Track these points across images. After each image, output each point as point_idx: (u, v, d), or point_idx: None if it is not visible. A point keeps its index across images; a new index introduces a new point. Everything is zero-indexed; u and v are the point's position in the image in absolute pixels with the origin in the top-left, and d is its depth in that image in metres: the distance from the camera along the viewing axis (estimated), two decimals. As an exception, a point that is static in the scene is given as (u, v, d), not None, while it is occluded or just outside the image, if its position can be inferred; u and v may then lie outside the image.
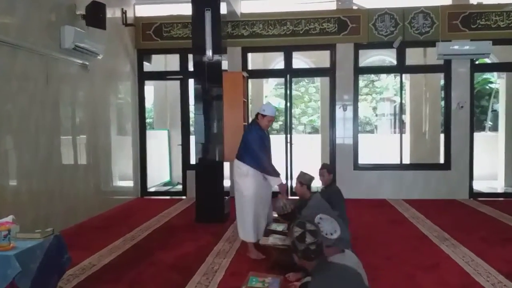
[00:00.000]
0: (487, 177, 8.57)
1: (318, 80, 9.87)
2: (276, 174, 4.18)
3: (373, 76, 14.93)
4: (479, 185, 7.72)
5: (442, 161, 7.40)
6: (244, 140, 4.24)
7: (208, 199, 5.64)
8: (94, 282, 3.56)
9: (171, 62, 8.53)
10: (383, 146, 9.93)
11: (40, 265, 2.78)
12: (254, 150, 4.08)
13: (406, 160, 8.14)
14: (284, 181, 4.33)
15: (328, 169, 4.55)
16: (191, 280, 3.57)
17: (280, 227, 4.35)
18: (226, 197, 5.86)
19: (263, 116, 4.17)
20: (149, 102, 9.74)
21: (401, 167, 7.41)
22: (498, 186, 8.25)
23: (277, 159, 7.91)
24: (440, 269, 3.86)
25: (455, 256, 4.18)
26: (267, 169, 4.13)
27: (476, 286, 3.46)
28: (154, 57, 8.30)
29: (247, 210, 4.16)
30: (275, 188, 4.26)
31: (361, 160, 7.44)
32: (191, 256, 4.25)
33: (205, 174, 5.73)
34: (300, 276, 3.25)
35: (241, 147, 4.27)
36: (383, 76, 14.91)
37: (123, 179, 7.09)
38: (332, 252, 2.59)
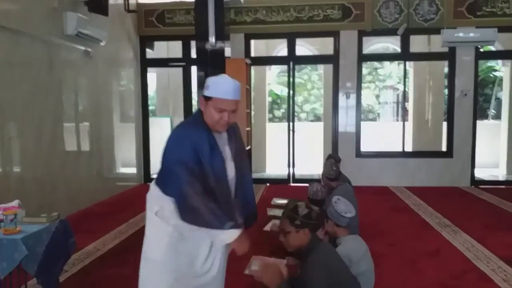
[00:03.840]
0: (489, 165, 8.58)
1: (321, 68, 9.80)
2: (226, 222, 1.92)
3: (376, 64, 14.84)
4: (481, 173, 7.74)
5: (444, 149, 7.41)
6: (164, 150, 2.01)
7: (211, 185, 5.68)
8: (99, 266, 3.62)
9: (173, 49, 8.49)
10: (385, 134, 9.94)
11: (46, 249, 2.82)
12: (175, 172, 1.91)
13: (409, 148, 8.16)
14: (240, 235, 2.01)
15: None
16: (194, 265, 3.62)
17: (281, 213, 4.39)
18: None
19: (207, 99, 1.97)
20: (151, 89, 9.73)
21: (403, 154, 7.43)
22: (500, 174, 8.26)
23: (280, 147, 8.06)
24: (441, 255, 3.91)
25: (455, 242, 4.22)
26: (205, 218, 1.89)
27: (476, 271, 3.50)
28: (157, 44, 8.26)
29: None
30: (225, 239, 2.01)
31: (364, 148, 7.46)
32: (194, 241, 4.29)
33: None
34: (299, 263, 3.29)
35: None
36: (386, 63, 14.82)
37: (126, 166, 7.14)
38: (345, 233, 2.78)
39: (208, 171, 1.95)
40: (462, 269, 3.55)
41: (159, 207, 2.07)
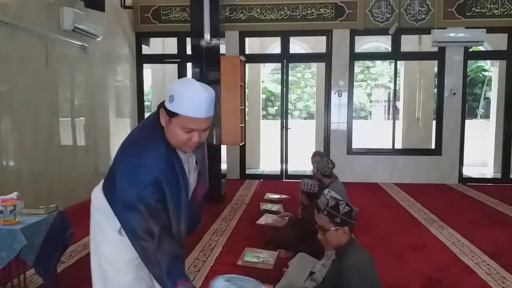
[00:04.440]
0: (478, 163, 8.78)
1: (314, 66, 9.91)
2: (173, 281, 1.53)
3: (368, 63, 14.99)
4: (470, 171, 7.93)
5: (433, 147, 7.57)
6: (112, 168, 1.68)
7: (205, 180, 5.75)
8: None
9: (168, 45, 8.55)
10: (377, 132, 10.09)
11: (45, 240, 2.88)
12: (129, 210, 1.56)
13: (399, 146, 8.32)
14: None
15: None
16: (189, 257, 3.72)
17: (274, 208, 4.51)
18: (223, 180, 6.00)
19: (172, 115, 1.54)
20: (146, 85, 9.76)
21: (393, 152, 7.59)
22: (488, 172, 8.45)
23: (273, 144, 8.16)
24: (428, 248, 4.04)
25: (442, 237, 4.36)
26: (154, 271, 1.58)
27: (461, 265, 3.64)
28: (152, 40, 8.31)
29: None
30: None
31: (355, 145, 7.59)
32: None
33: (202, 156, 5.83)
34: (291, 254, 3.40)
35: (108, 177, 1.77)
36: (378, 62, 14.98)
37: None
38: None
39: (168, 204, 1.59)
40: (447, 262, 3.68)
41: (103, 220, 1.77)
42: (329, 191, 2.99)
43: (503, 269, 3.51)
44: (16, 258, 2.73)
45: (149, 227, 1.52)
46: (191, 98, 1.50)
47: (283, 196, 5.09)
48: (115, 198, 1.60)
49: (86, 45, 5.80)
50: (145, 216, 1.51)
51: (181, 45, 7.61)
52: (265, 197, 5.10)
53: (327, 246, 2.24)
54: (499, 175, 7.65)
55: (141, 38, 7.68)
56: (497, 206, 5.76)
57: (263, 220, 4.08)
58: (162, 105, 1.59)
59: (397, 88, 9.53)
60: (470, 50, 7.46)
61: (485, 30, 6.80)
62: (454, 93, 7.20)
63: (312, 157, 4.60)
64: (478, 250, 3.96)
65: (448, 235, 4.44)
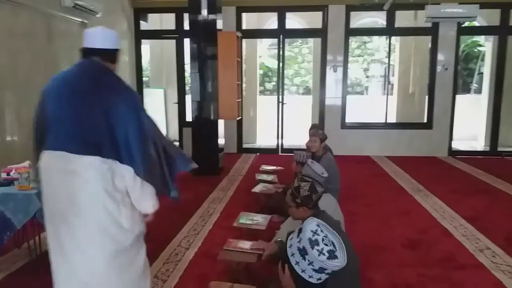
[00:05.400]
0: (470, 137, 9.03)
1: (311, 41, 10.00)
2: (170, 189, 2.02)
3: (365, 38, 15.00)
4: (461, 145, 8.20)
5: (425, 121, 7.80)
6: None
7: (204, 154, 6.02)
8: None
9: (167, 21, 8.63)
10: (373, 107, 10.27)
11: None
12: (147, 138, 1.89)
13: (393, 120, 8.55)
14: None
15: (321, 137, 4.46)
16: (189, 221, 4.02)
17: (269, 178, 4.79)
18: (220, 153, 6.27)
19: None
20: (144, 61, 9.88)
21: (385, 126, 7.83)
22: (479, 145, 8.72)
23: (270, 119, 8.35)
24: (411, 214, 4.35)
25: (426, 205, 4.66)
26: (160, 181, 1.96)
27: (440, 228, 3.95)
28: (150, 16, 8.39)
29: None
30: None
31: (349, 120, 7.82)
32: (189, 202, 4.68)
33: (201, 131, 6.08)
34: (283, 219, 3.68)
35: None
36: (375, 38, 14.98)
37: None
38: None
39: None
40: (427, 226, 3.99)
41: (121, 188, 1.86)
42: (312, 161, 3.24)
43: (478, 231, 3.82)
44: (32, 221, 3.01)
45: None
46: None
47: (278, 167, 5.36)
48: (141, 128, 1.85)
49: (86, 21, 5.92)
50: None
51: (179, 21, 7.71)
52: (260, 169, 5.37)
53: (293, 218, 2.50)
54: (488, 148, 7.91)
55: (139, 14, 7.77)
56: (482, 176, 6.05)
57: (258, 188, 4.35)
58: (97, 54, 1.95)
59: (392, 63, 9.68)
60: (463, 25, 7.58)
61: (478, 5, 6.91)
62: (446, 68, 7.37)
63: (309, 130, 4.80)
64: (457, 216, 4.27)
65: (431, 202, 4.74)
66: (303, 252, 1.36)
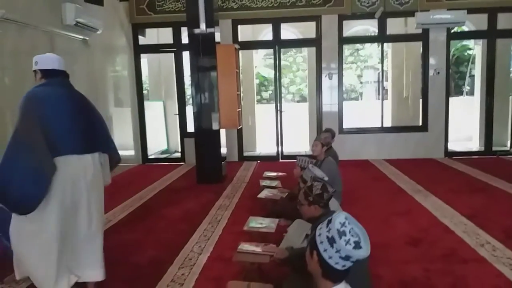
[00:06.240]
0: (464, 138, 9.23)
1: (305, 50, 10.22)
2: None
3: (358, 45, 15.30)
4: (456, 146, 8.39)
5: (420, 123, 7.99)
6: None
7: (208, 162, 6.15)
8: (113, 233, 4.08)
9: (163, 35, 8.82)
10: (368, 112, 10.48)
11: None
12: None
13: (388, 124, 8.73)
14: None
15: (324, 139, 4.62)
16: (198, 229, 4.13)
17: (273, 183, 4.92)
18: (223, 162, 6.40)
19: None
20: (143, 75, 10.04)
21: (382, 130, 8.01)
22: (474, 146, 8.91)
23: (268, 127, 8.50)
24: (412, 214, 4.48)
25: (426, 204, 4.80)
26: None
27: (441, 225, 4.08)
28: (148, 31, 8.57)
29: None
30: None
31: (346, 125, 8.00)
32: (196, 210, 4.79)
33: (203, 140, 6.21)
34: (290, 222, 3.80)
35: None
36: (367, 45, 15.28)
37: (125, 148, 7.53)
38: None
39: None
40: (429, 224, 4.13)
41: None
42: (312, 166, 3.38)
43: (478, 227, 3.96)
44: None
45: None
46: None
47: (280, 173, 5.50)
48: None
49: (87, 38, 6.09)
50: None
51: (176, 35, 7.89)
52: (263, 175, 5.50)
53: (303, 216, 2.63)
54: (483, 148, 8.11)
55: (138, 29, 7.95)
56: (478, 175, 6.22)
57: (263, 194, 4.47)
58: (62, 74, 2.87)
59: (385, 69, 9.91)
60: (453, 31, 7.82)
61: (465, 11, 7.16)
62: (438, 72, 7.60)
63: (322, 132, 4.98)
64: (457, 213, 4.41)
65: (431, 202, 4.88)
66: (331, 240, 1.51)
